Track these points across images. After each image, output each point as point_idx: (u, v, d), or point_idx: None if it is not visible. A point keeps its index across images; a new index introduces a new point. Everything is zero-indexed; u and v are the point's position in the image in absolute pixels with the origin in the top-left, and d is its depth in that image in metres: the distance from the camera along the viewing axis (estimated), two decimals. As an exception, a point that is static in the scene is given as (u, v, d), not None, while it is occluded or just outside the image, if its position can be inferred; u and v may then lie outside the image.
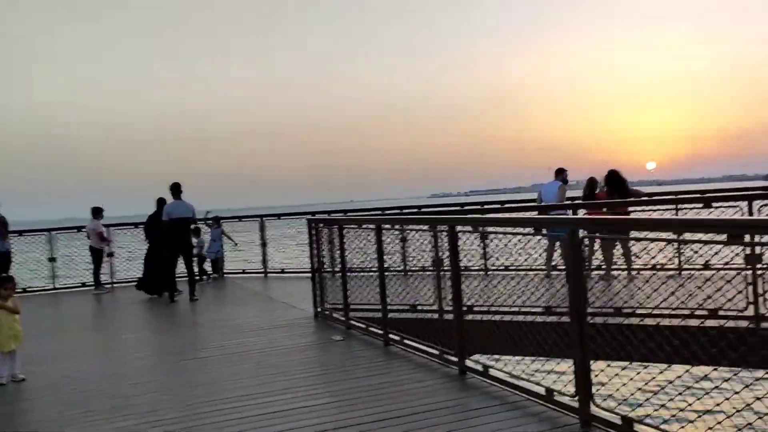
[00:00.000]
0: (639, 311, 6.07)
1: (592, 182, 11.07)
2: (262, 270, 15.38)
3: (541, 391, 4.75)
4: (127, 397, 5.80)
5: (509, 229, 5.78)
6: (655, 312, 5.39)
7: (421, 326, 6.97)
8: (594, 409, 4.22)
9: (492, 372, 5.35)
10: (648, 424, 3.84)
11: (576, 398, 4.34)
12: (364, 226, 7.91)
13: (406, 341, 6.83)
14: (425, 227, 7.87)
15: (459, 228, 5.79)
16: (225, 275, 15.59)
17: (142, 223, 14.17)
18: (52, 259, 15.04)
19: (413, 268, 9.86)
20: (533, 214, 11.14)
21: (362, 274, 8.37)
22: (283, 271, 15.26)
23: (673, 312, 5.47)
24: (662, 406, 3.78)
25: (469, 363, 5.67)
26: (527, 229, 6.81)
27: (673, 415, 3.70)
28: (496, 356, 6.14)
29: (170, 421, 5.01)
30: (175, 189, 12.01)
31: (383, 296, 7.14)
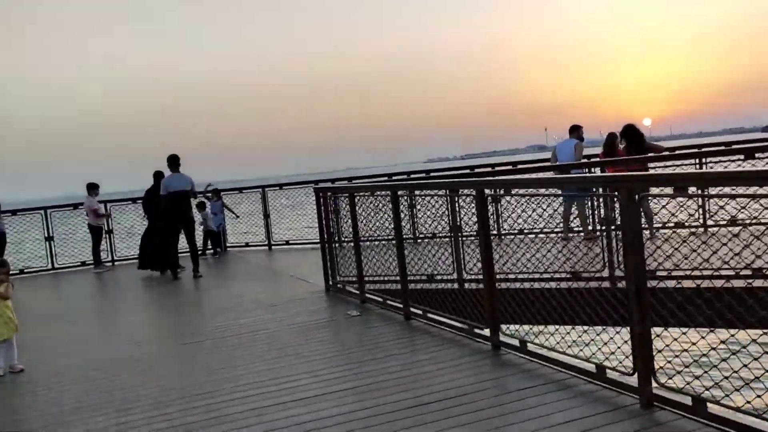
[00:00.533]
0: (703, 274, 5.56)
1: (612, 138, 10.50)
2: (266, 243, 14.89)
3: (590, 367, 4.29)
4: (132, 387, 5.35)
5: (543, 191, 5.29)
6: (726, 273, 4.88)
7: (440, 297, 6.51)
8: (657, 388, 3.77)
9: (531, 347, 4.90)
10: (725, 405, 3.38)
11: (634, 375, 3.88)
12: (377, 193, 7.39)
13: (430, 315, 6.36)
14: (443, 192, 7.35)
15: (488, 192, 5.28)
16: (228, 249, 15.13)
17: (141, 199, 13.66)
18: (49, 239, 14.53)
19: (427, 235, 9.30)
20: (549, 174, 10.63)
21: (376, 242, 7.90)
22: (287, 243, 14.78)
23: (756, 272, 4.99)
24: (746, 384, 3.30)
25: (503, 338, 5.22)
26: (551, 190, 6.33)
27: (759, 395, 3.23)
28: (526, 327, 5.65)
29: (178, 415, 4.56)
30: (173, 161, 11.46)
31: (402, 267, 6.65)
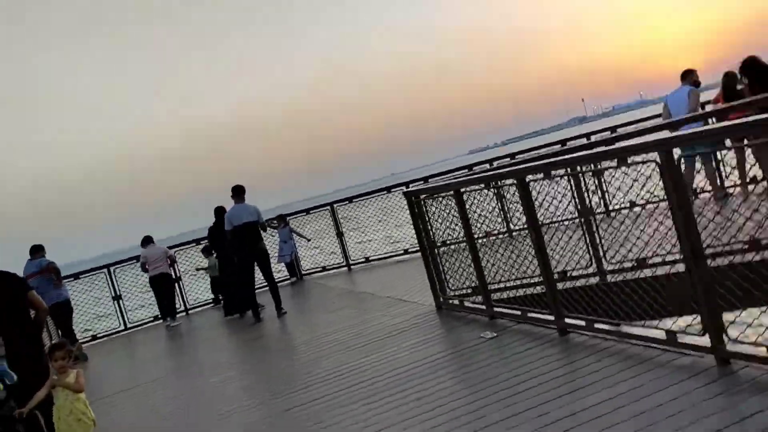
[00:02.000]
0: None
1: (731, 77, 8.85)
2: (344, 263, 13.62)
3: None
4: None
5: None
6: None
7: (582, 297, 5.10)
8: None
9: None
10: None
11: None
12: (493, 183, 5.99)
13: (598, 326, 4.88)
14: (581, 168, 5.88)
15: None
16: (304, 276, 13.94)
17: (204, 239, 12.60)
18: (116, 298, 13.55)
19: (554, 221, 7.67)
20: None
21: (492, 239, 6.55)
22: (368, 260, 13.46)
23: None
24: None
25: (732, 346, 3.70)
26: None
27: None
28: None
29: None
30: (237, 192, 10.34)
31: (547, 265, 5.20)
